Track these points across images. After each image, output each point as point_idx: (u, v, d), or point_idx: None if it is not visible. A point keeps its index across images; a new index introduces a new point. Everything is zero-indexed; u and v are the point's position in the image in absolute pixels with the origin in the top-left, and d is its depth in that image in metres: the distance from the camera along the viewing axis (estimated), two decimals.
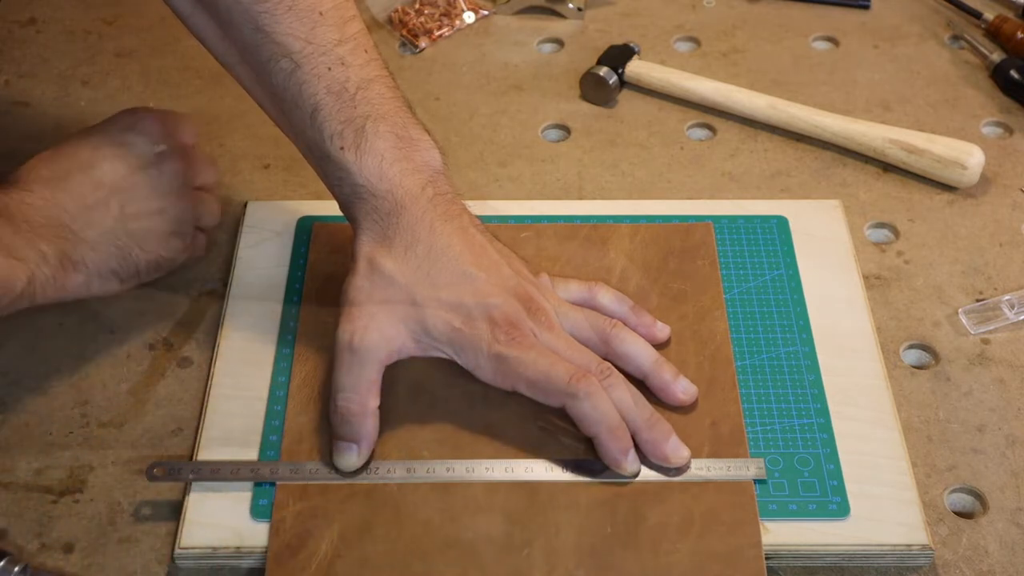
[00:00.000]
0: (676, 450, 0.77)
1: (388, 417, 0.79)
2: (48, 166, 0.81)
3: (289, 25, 0.78)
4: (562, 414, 0.77)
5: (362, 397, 0.76)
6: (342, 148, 0.78)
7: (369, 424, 0.77)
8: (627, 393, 0.77)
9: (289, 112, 0.80)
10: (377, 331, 0.76)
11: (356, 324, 0.76)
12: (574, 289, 0.84)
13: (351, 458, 0.76)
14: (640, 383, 0.80)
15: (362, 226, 0.78)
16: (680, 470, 0.76)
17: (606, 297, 0.84)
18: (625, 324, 0.82)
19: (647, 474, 0.76)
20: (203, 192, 0.89)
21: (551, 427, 0.78)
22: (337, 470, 0.76)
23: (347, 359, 0.77)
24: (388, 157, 0.78)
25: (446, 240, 0.78)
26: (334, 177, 0.79)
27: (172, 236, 0.86)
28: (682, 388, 0.80)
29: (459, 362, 0.78)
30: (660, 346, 0.82)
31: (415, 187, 0.78)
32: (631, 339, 0.80)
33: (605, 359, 0.79)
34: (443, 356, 0.78)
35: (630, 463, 0.76)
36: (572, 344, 0.79)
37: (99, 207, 0.81)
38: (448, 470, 0.76)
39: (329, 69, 0.78)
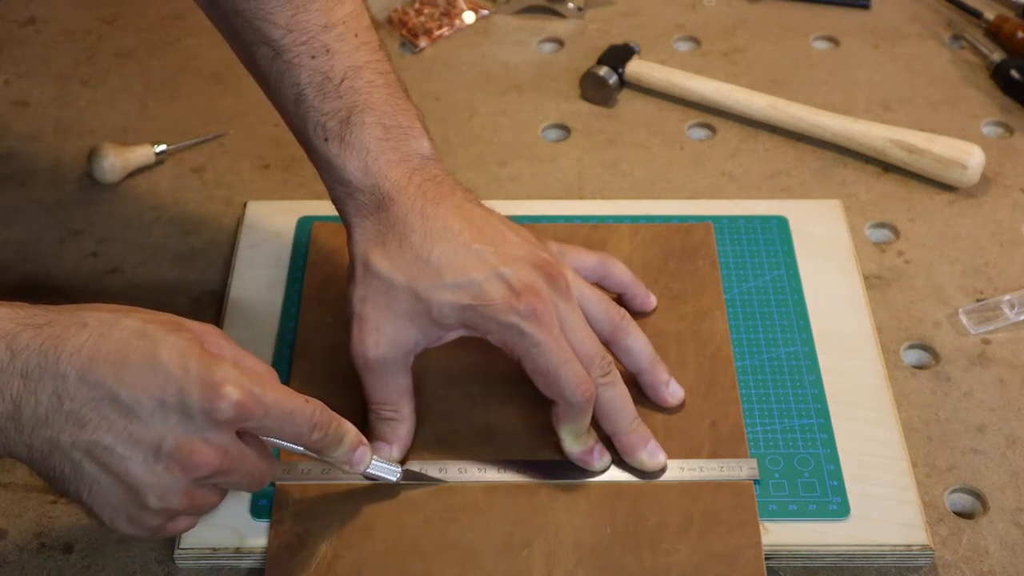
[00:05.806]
0: (652, 455, 0.77)
1: None
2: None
3: (269, 10, 0.75)
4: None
5: (395, 406, 0.76)
6: (326, 140, 0.76)
7: (403, 428, 0.77)
8: (619, 394, 0.77)
9: (274, 98, 0.79)
10: (388, 342, 0.75)
11: (366, 339, 0.74)
12: (585, 258, 0.83)
13: (385, 452, 0.76)
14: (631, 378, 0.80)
15: (354, 225, 0.77)
16: (656, 474, 0.76)
17: (618, 267, 0.84)
18: (632, 296, 0.84)
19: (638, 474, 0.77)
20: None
21: (550, 429, 0.78)
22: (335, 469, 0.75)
23: (368, 377, 0.76)
24: (373, 150, 0.76)
25: (442, 222, 0.75)
26: (321, 169, 0.78)
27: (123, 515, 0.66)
28: (672, 392, 0.80)
29: (473, 335, 0.76)
30: (659, 345, 0.82)
31: (401, 178, 0.76)
32: (636, 334, 0.80)
33: (605, 345, 0.78)
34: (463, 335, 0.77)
35: (596, 461, 0.77)
36: (584, 325, 0.76)
37: (97, 427, 0.63)
38: (440, 471, 0.76)
39: (312, 58, 0.76)
